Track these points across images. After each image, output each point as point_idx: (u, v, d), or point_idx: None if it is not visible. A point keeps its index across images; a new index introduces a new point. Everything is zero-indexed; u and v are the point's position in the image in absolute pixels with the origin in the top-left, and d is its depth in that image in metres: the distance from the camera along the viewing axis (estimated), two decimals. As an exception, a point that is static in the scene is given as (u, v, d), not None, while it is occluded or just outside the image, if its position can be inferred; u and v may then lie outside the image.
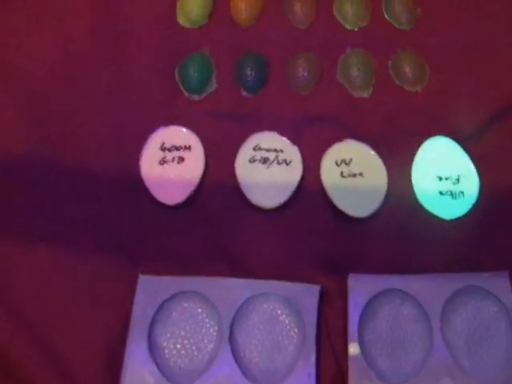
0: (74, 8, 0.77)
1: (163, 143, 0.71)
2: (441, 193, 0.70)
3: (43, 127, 0.73)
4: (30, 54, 0.76)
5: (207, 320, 0.66)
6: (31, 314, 0.66)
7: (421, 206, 0.70)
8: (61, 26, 0.77)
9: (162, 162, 0.71)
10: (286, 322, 0.66)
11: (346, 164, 0.70)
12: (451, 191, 0.70)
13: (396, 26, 0.76)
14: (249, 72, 0.74)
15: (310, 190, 0.70)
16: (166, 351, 0.65)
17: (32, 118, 0.73)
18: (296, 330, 0.65)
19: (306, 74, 0.74)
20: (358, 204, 0.69)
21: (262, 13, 0.77)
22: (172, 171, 0.70)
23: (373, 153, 0.71)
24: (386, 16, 0.77)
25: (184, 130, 0.72)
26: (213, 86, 0.74)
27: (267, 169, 0.70)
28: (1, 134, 0.73)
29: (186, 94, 0.74)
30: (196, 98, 0.74)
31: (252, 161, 0.71)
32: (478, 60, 0.75)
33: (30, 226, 0.69)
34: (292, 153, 0.71)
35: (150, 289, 0.66)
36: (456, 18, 0.76)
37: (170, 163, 0.71)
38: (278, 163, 0.70)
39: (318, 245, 0.69)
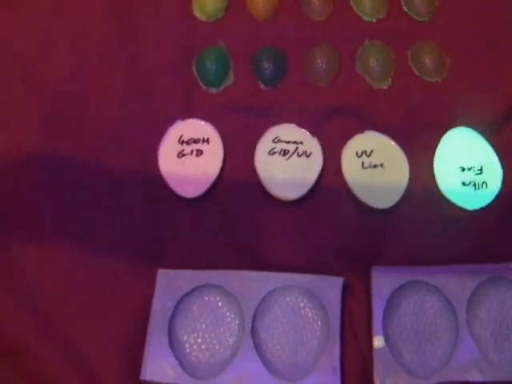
0: (87, 4, 0.77)
1: (181, 136, 0.71)
2: (463, 183, 0.69)
3: (59, 123, 0.72)
4: (42, 51, 0.75)
5: (228, 313, 0.65)
6: (48, 308, 0.65)
7: (443, 197, 0.69)
8: (75, 23, 0.76)
9: (181, 155, 0.70)
10: (309, 315, 0.64)
11: (367, 155, 0.69)
12: (474, 182, 0.69)
13: (414, 17, 0.76)
14: (266, 65, 0.73)
15: (330, 181, 0.69)
16: (187, 345, 0.64)
17: (46, 113, 0.73)
18: (319, 323, 0.64)
19: (324, 65, 0.73)
20: (379, 195, 0.68)
21: (278, 6, 0.76)
22: (190, 164, 0.70)
23: (393, 144, 0.70)
24: (404, 8, 0.76)
25: (202, 122, 0.71)
26: (230, 79, 0.74)
27: (287, 161, 0.69)
28: (16, 132, 0.72)
29: (204, 87, 0.73)
30: (214, 91, 0.73)
31: (272, 153, 0.70)
32: (497, 50, 0.74)
33: (46, 221, 0.69)
34: (312, 145, 0.70)
35: (169, 283, 0.65)
36: (474, 8, 0.76)
37: (189, 156, 0.70)
38: (298, 155, 0.70)
39: (340, 237, 0.68)
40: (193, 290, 0.65)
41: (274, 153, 0.70)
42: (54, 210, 0.69)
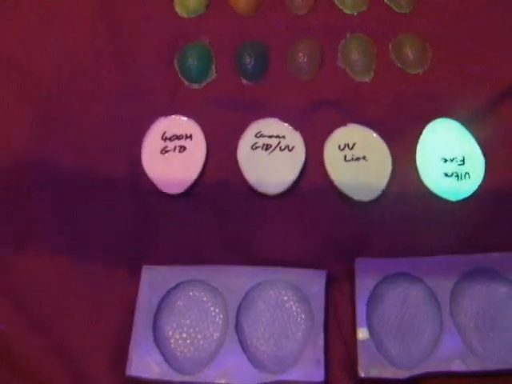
0: (72, 4, 0.77)
1: (164, 133, 0.71)
2: (446, 175, 0.69)
3: (45, 123, 0.73)
4: (29, 51, 0.76)
5: (212, 308, 0.65)
6: (34, 304, 0.65)
7: (426, 189, 0.69)
8: (59, 17, 0.77)
9: (164, 151, 0.70)
10: (293, 308, 0.65)
11: (350, 148, 0.70)
12: (457, 173, 0.69)
13: (395, 9, 0.76)
14: (248, 60, 0.74)
15: (313, 175, 0.70)
16: (172, 341, 0.64)
17: (33, 112, 0.73)
18: (303, 316, 0.64)
19: (306, 59, 0.73)
20: (362, 188, 0.68)
21: (260, 0, 0.77)
22: (174, 160, 0.70)
23: (376, 136, 0.70)
24: (385, 0, 0.76)
25: (185, 118, 0.71)
26: (212, 75, 0.74)
27: (270, 155, 0.70)
28: (4, 132, 0.73)
29: (186, 83, 0.74)
30: (196, 87, 0.73)
31: (254, 148, 0.70)
32: (479, 41, 0.74)
33: (33, 221, 0.69)
34: (294, 138, 0.70)
35: (153, 279, 0.65)
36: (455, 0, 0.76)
37: (172, 152, 0.70)
38: (281, 149, 0.70)
39: (324, 230, 0.68)
40: (177, 286, 0.65)
41: (257, 147, 0.70)
42: (41, 209, 0.69)
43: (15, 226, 0.69)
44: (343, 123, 0.71)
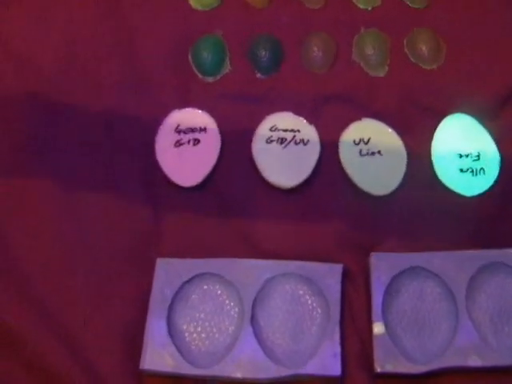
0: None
1: (178, 125, 0.70)
2: (461, 170, 0.69)
3: (52, 115, 0.72)
4: (34, 41, 0.75)
5: (227, 302, 0.64)
6: (47, 298, 0.64)
7: (441, 184, 0.69)
8: (68, 13, 0.76)
9: (178, 144, 0.70)
10: (309, 302, 0.64)
11: (365, 143, 0.70)
12: (472, 168, 0.69)
13: (410, 4, 0.76)
14: (263, 53, 0.74)
15: (328, 169, 0.70)
16: (186, 334, 0.63)
17: (39, 103, 0.72)
18: (319, 310, 0.64)
19: (320, 53, 0.74)
20: (377, 182, 0.68)
21: (274, -6, 0.77)
22: (188, 153, 0.69)
23: (391, 131, 0.70)
24: (399, -5, 0.77)
25: (199, 111, 0.71)
26: (227, 68, 0.74)
27: (284, 149, 0.69)
28: (10, 120, 0.72)
29: (200, 76, 0.73)
30: (210, 80, 0.73)
31: (269, 141, 0.70)
32: (493, 36, 0.74)
33: (47, 217, 0.68)
34: (309, 132, 0.70)
35: (168, 272, 0.65)
36: (469, -5, 0.76)
37: (186, 145, 0.70)
38: (296, 143, 0.70)
39: (338, 224, 0.68)
40: (192, 279, 0.65)
41: (272, 141, 0.70)
42: (51, 205, 0.69)
43: (21, 220, 0.68)
44: (357, 117, 0.71)
